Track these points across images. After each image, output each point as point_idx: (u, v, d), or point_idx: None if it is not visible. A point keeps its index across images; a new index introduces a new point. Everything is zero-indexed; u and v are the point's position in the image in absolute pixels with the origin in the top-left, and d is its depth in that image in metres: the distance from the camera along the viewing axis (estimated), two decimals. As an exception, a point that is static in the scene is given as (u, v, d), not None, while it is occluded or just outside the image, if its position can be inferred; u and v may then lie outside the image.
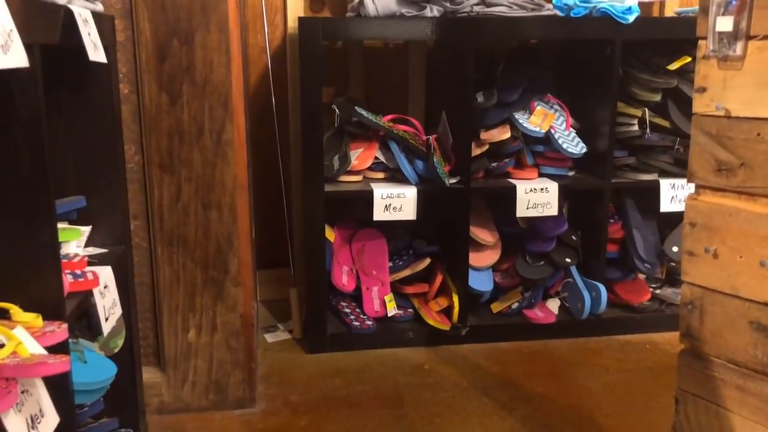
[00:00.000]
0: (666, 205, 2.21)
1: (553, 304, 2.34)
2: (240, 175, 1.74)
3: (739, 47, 1.08)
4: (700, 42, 1.14)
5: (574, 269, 2.30)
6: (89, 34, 1.24)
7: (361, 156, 2.20)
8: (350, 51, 2.48)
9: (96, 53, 1.25)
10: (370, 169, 2.22)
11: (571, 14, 2.20)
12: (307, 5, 2.46)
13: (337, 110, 2.25)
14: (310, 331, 2.20)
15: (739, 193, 1.13)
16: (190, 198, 1.73)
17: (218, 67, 1.67)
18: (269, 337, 2.30)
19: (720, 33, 1.08)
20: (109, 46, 1.39)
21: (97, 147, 1.44)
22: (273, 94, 2.40)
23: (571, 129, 2.27)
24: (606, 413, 1.83)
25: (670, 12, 2.57)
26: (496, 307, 2.31)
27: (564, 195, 2.24)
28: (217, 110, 1.70)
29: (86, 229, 1.47)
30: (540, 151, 2.27)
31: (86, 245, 1.48)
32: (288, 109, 2.48)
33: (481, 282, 2.25)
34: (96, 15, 1.33)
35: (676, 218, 2.25)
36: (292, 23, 2.42)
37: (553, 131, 2.21)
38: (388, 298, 2.24)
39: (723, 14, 1.07)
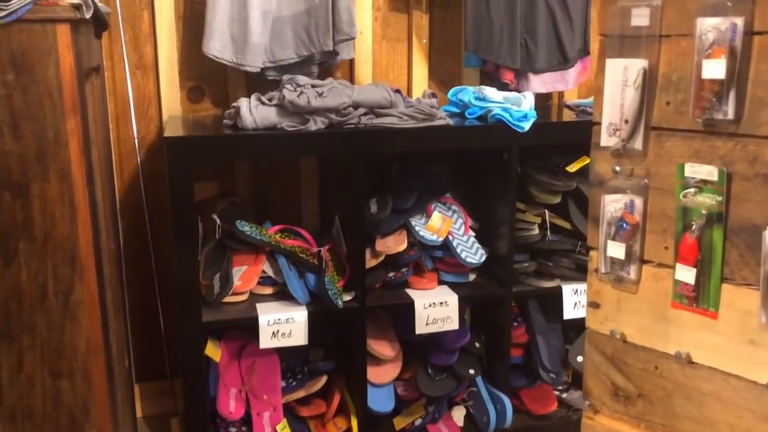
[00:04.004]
0: (569, 312, 2.13)
1: (458, 414, 2.21)
2: (94, 337, 1.52)
3: (632, 271, 0.96)
4: (592, 253, 1.02)
5: (478, 378, 2.19)
6: None
7: (245, 275, 2.00)
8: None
9: None
10: (257, 284, 2.03)
11: (467, 113, 2.09)
12: (185, 96, 2.25)
13: (218, 221, 2.05)
14: (195, 470, 1.99)
15: (639, 420, 1.01)
16: (35, 367, 1.49)
17: (61, 222, 1.44)
18: (151, 473, 2.07)
19: (612, 258, 0.95)
20: None
21: None
22: (144, 194, 2.18)
23: (470, 232, 2.15)
24: None
25: (570, 97, 2.50)
26: (399, 422, 2.17)
27: (465, 302, 2.12)
28: (62, 269, 1.46)
29: None
30: (439, 257, 2.14)
31: None
32: (166, 201, 2.26)
33: (380, 402, 2.10)
34: None
35: (581, 322, 2.16)
36: (167, 117, 2.21)
37: (451, 238, 2.09)
38: (281, 426, 2.05)
39: (614, 239, 0.95)
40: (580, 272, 2.13)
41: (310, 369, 2.14)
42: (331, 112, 1.85)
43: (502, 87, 2.26)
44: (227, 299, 1.99)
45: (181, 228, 1.80)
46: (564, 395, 2.27)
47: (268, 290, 2.04)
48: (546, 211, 2.14)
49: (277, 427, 2.05)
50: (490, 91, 2.10)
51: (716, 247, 0.86)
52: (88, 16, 1.43)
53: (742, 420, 0.89)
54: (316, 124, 1.85)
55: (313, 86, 1.90)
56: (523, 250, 2.14)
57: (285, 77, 1.93)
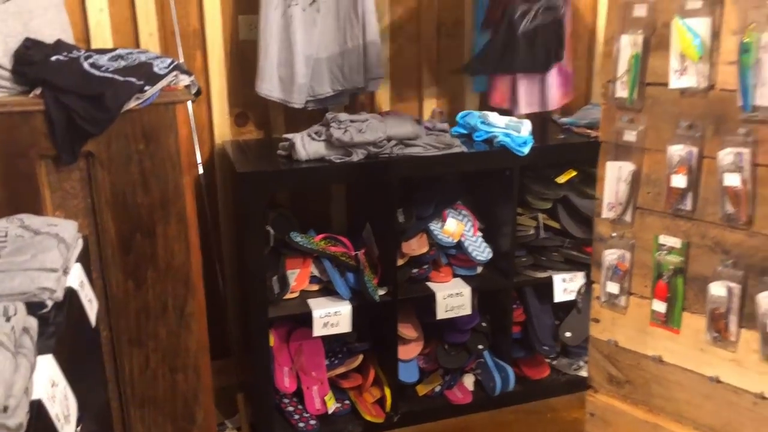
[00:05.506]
0: (559, 296, 2.61)
1: (469, 381, 2.70)
2: (202, 339, 1.95)
3: (623, 300, 1.42)
4: (595, 286, 1.47)
5: (486, 351, 2.67)
6: (90, 300, 1.41)
7: (298, 277, 2.43)
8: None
9: (92, 312, 1.43)
10: (305, 283, 2.46)
11: (474, 136, 2.51)
12: (232, 121, 2.62)
13: (271, 231, 2.46)
14: (260, 434, 2.45)
15: (626, 398, 1.49)
16: (157, 364, 1.92)
17: (179, 254, 1.85)
18: (220, 438, 2.52)
19: (609, 292, 1.41)
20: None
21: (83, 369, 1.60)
22: (207, 207, 2.57)
23: (479, 233, 2.60)
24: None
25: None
26: (422, 389, 2.65)
27: (475, 290, 2.58)
28: (179, 289, 1.88)
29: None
30: (452, 254, 2.59)
31: None
32: (222, 214, 2.65)
33: (408, 374, 2.57)
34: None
35: (569, 304, 2.65)
36: (219, 140, 2.59)
37: (463, 239, 2.53)
38: (328, 396, 2.51)
39: (611, 279, 1.40)
40: (567, 264, 2.61)
41: (349, 349, 2.59)
42: (370, 145, 2.26)
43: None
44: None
45: (251, 243, 2.21)
46: (554, 362, 2.77)
47: (315, 287, 2.48)
48: (539, 214, 2.60)
49: (325, 398, 2.51)
50: (494, 117, 2.53)
51: (679, 289, 1.32)
52: (194, 92, 1.81)
53: (694, 397, 1.37)
54: (357, 156, 2.26)
55: (352, 121, 2.30)
56: (521, 246, 2.60)
57: (328, 115, 2.32)
